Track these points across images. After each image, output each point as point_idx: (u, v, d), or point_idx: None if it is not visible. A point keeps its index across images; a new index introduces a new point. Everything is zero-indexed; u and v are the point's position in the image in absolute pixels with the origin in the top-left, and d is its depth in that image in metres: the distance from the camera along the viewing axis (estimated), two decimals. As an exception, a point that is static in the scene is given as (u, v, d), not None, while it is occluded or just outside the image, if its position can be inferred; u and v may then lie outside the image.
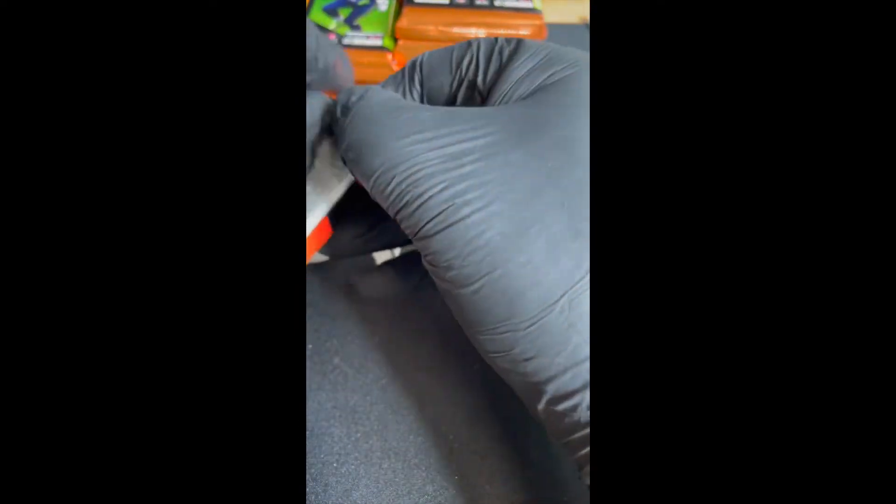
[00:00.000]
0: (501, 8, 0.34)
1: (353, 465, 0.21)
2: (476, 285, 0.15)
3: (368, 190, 0.17)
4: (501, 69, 0.18)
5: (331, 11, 0.39)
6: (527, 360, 0.15)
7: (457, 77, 0.19)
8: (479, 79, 0.18)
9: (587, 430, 0.15)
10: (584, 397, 0.15)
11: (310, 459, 0.21)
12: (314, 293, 0.26)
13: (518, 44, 0.18)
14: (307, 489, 0.20)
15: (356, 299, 0.26)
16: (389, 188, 0.16)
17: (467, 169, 0.15)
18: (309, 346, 0.24)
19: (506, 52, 0.18)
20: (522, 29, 0.34)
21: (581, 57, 0.18)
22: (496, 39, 0.19)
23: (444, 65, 0.19)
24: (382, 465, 0.21)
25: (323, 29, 0.38)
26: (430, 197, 0.15)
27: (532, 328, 0.15)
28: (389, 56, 0.37)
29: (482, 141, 0.15)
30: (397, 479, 0.21)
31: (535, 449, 0.22)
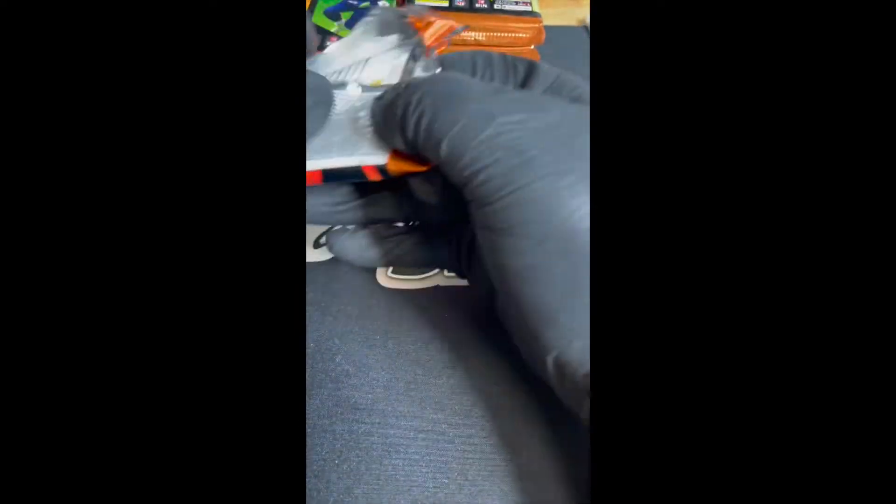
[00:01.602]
0: (501, 11, 0.35)
1: (354, 462, 0.21)
2: (538, 253, 0.15)
3: (437, 150, 0.16)
4: (518, 87, 0.19)
5: (332, 15, 0.39)
6: None
7: None
8: None
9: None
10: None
11: (311, 457, 0.21)
12: (315, 292, 0.26)
13: (531, 66, 0.19)
14: (309, 486, 0.20)
15: (357, 299, 0.26)
16: (470, 147, 0.16)
17: (548, 142, 0.15)
18: (311, 345, 0.24)
19: (521, 72, 0.19)
20: (521, 32, 0.34)
21: (582, 83, 0.19)
22: (510, 58, 0.20)
23: (465, 70, 0.20)
24: (384, 462, 0.21)
25: (325, 32, 0.38)
26: (510, 161, 0.15)
27: None
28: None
29: (554, 118, 0.16)
30: (398, 476, 0.21)
31: (537, 447, 0.22)
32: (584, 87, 0.19)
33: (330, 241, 0.23)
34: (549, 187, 0.15)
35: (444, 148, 0.16)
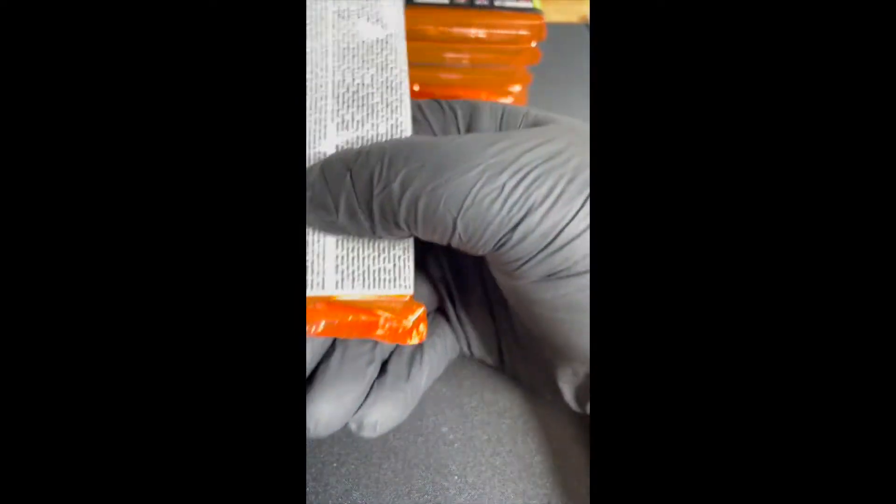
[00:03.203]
0: (501, 8, 0.34)
1: (353, 465, 0.21)
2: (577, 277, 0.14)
3: (448, 234, 0.14)
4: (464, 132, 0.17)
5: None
6: None
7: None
8: None
9: None
10: None
11: (310, 460, 0.21)
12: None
13: (473, 107, 0.18)
14: (307, 489, 0.20)
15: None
16: (492, 213, 0.14)
17: (556, 172, 0.14)
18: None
19: (462, 119, 0.18)
20: (522, 29, 0.34)
21: (526, 109, 0.18)
22: (444, 105, 0.18)
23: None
24: (382, 465, 0.21)
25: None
26: (544, 207, 0.14)
27: None
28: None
29: (545, 150, 0.14)
30: (397, 480, 0.21)
31: (537, 452, 0.22)
32: (534, 112, 0.17)
33: (357, 425, 0.18)
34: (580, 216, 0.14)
35: (459, 229, 0.14)
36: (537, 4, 0.35)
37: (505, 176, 0.14)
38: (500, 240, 0.14)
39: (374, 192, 0.14)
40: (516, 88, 0.35)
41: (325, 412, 0.17)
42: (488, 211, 0.14)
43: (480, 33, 0.34)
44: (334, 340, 0.19)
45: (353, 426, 0.18)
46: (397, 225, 0.15)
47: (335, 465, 0.21)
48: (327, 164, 0.15)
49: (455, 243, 0.15)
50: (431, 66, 0.34)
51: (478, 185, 0.14)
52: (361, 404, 0.18)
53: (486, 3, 0.34)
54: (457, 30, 0.34)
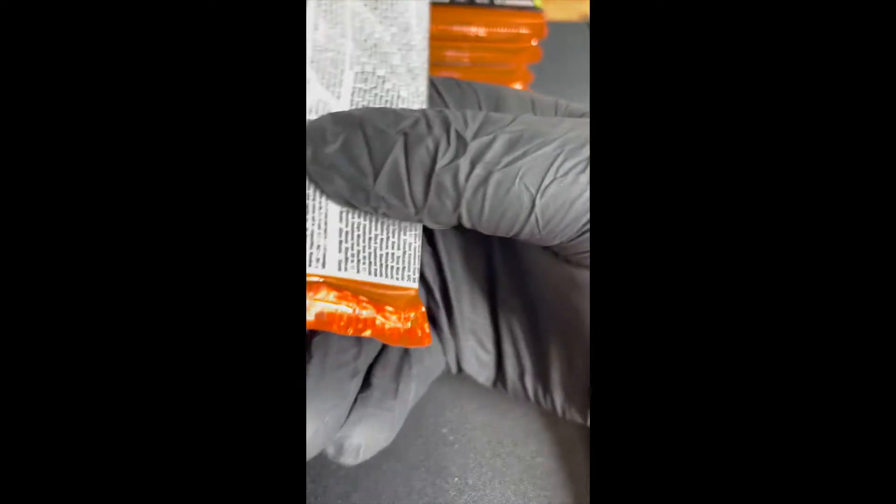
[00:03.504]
0: (502, 6, 0.34)
1: (352, 466, 0.21)
2: None
3: (520, 225, 0.13)
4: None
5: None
6: None
7: None
8: None
9: None
10: None
11: (309, 461, 0.21)
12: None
13: (497, 91, 0.16)
14: (307, 491, 0.20)
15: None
16: (572, 197, 0.13)
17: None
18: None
19: (484, 101, 0.16)
20: (523, 27, 0.34)
21: (559, 99, 0.16)
22: (462, 84, 0.16)
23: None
24: (382, 467, 0.21)
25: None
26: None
27: None
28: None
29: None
30: (397, 481, 0.21)
31: (537, 453, 0.22)
32: (564, 102, 0.16)
33: (335, 450, 0.16)
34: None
35: (537, 211, 0.12)
36: (538, 3, 0.35)
37: (587, 150, 0.12)
38: (580, 228, 0.13)
39: (436, 165, 0.12)
40: (517, 87, 0.35)
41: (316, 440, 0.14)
42: (573, 186, 0.12)
43: (481, 31, 0.34)
44: (310, 346, 0.16)
45: (330, 451, 0.15)
46: (455, 207, 0.13)
47: (334, 466, 0.21)
48: (368, 119, 0.13)
49: (526, 231, 0.13)
50: (432, 64, 0.34)
51: (560, 159, 0.12)
52: (342, 424, 0.15)
53: (486, 1, 0.34)
54: (457, 28, 0.34)
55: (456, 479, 0.21)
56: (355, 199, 0.13)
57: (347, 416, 0.16)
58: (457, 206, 0.13)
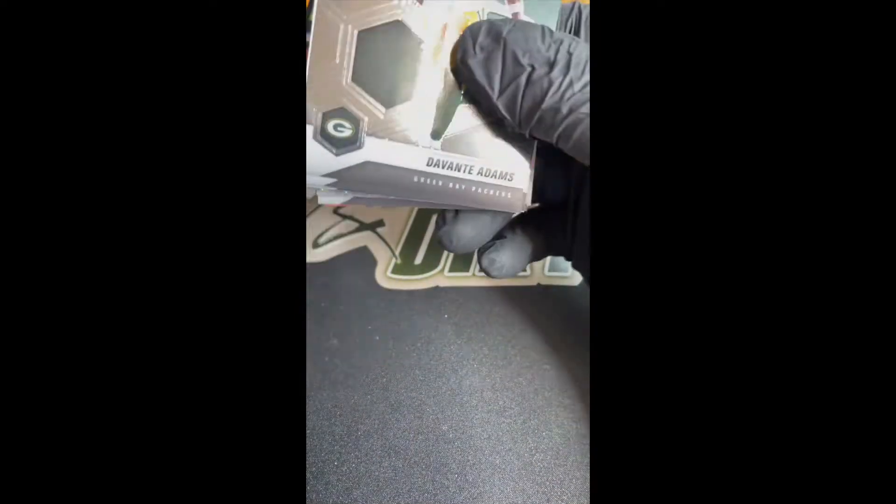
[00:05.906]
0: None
1: (353, 463, 0.21)
2: None
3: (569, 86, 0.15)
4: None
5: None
6: None
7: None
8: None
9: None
10: None
11: (310, 458, 0.21)
12: (315, 293, 0.26)
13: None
14: (308, 487, 0.20)
15: (356, 299, 0.26)
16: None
17: None
18: (310, 346, 0.24)
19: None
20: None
21: None
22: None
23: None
24: (383, 463, 0.21)
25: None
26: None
27: None
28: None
29: None
30: (398, 478, 0.21)
31: (537, 450, 0.22)
32: None
33: (488, 261, 0.21)
34: None
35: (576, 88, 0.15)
36: None
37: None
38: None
39: (543, 103, 0.15)
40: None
41: (466, 233, 0.19)
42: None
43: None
44: None
45: (484, 262, 0.21)
46: (550, 136, 0.16)
47: (336, 463, 0.21)
48: (511, 43, 0.15)
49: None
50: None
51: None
52: (491, 247, 0.21)
53: None
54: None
55: (455, 475, 0.21)
56: (480, 98, 0.17)
57: (495, 242, 0.21)
58: (551, 136, 0.16)
